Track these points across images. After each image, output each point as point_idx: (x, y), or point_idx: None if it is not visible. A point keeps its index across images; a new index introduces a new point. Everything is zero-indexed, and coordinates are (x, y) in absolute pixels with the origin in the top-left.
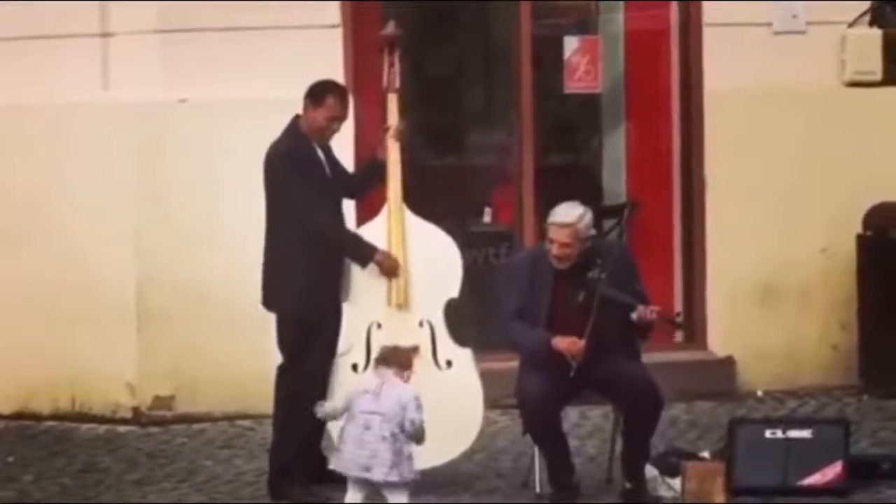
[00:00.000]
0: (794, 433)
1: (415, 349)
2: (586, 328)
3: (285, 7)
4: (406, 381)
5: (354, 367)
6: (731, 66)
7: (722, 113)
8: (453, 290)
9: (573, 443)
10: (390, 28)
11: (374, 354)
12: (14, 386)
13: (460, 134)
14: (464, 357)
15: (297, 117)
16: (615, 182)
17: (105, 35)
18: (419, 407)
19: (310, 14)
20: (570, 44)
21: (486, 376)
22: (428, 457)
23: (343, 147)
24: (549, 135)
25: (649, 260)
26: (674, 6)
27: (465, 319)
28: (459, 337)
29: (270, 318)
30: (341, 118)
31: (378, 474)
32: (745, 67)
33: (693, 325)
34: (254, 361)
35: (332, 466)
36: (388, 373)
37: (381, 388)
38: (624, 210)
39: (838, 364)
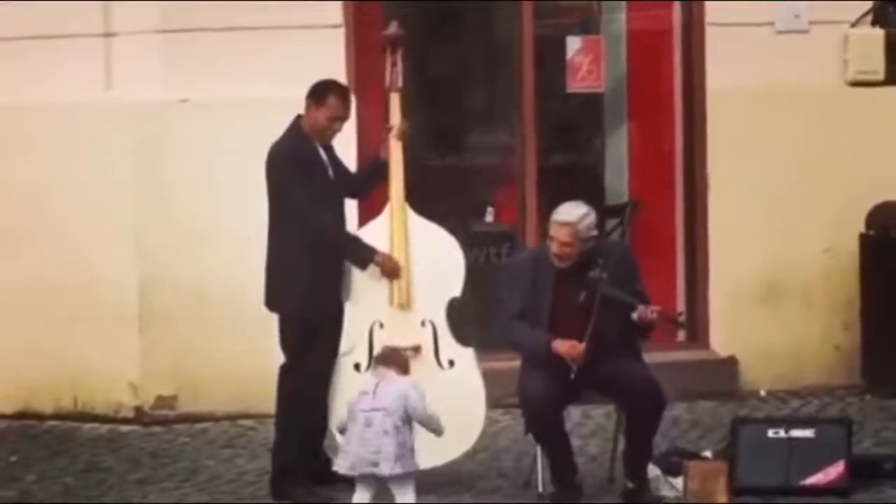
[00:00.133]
0: (796, 433)
1: (416, 349)
2: (587, 328)
3: (287, 7)
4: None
5: (357, 366)
6: (733, 65)
7: (724, 112)
8: (455, 289)
9: (575, 442)
10: (393, 28)
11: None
12: (16, 386)
13: (462, 134)
14: (466, 356)
15: (298, 117)
16: (617, 182)
17: (107, 35)
18: (421, 394)
19: (312, 14)
20: (573, 44)
21: (488, 376)
22: (430, 456)
23: (345, 147)
24: (552, 135)
25: (652, 260)
26: (676, 6)
27: (467, 319)
28: (462, 336)
29: (272, 318)
30: (343, 118)
31: (385, 468)
32: (747, 67)
33: (696, 325)
34: (256, 361)
35: (337, 469)
36: (389, 372)
37: (377, 387)
38: (626, 210)
39: (841, 364)
